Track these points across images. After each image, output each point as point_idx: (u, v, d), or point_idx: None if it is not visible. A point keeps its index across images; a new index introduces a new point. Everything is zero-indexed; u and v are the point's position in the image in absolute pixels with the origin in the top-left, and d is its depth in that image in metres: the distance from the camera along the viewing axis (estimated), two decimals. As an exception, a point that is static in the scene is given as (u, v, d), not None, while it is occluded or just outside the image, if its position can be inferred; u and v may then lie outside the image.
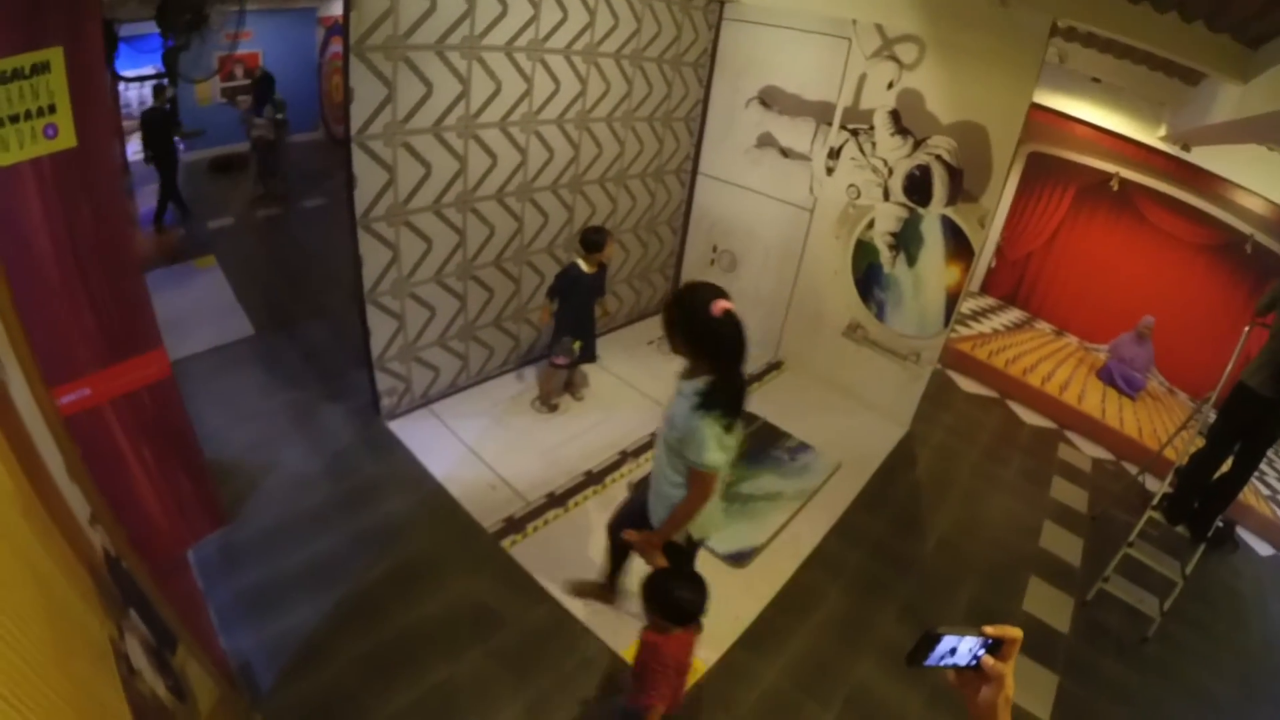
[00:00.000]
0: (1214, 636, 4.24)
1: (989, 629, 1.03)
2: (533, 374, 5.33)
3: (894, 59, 4.75)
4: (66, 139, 2.31)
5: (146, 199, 8.12)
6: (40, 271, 2.42)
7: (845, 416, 5.54)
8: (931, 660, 1.02)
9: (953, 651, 1.02)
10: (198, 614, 3.13)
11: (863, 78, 4.94)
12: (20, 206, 2.29)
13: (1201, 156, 6.68)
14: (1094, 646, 3.89)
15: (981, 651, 1.03)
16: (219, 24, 5.09)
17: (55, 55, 2.18)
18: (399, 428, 4.53)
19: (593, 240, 4.43)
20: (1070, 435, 6.35)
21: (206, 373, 4.92)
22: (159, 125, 7.46)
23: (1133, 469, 5.80)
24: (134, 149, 9.31)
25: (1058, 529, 4.86)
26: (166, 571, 3.23)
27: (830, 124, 5.20)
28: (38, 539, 1.30)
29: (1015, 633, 1.03)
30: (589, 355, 4.87)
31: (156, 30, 5.18)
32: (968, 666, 1.04)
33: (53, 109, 2.24)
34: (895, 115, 4.85)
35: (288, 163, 9.27)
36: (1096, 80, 6.67)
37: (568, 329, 4.65)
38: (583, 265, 4.48)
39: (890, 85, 4.81)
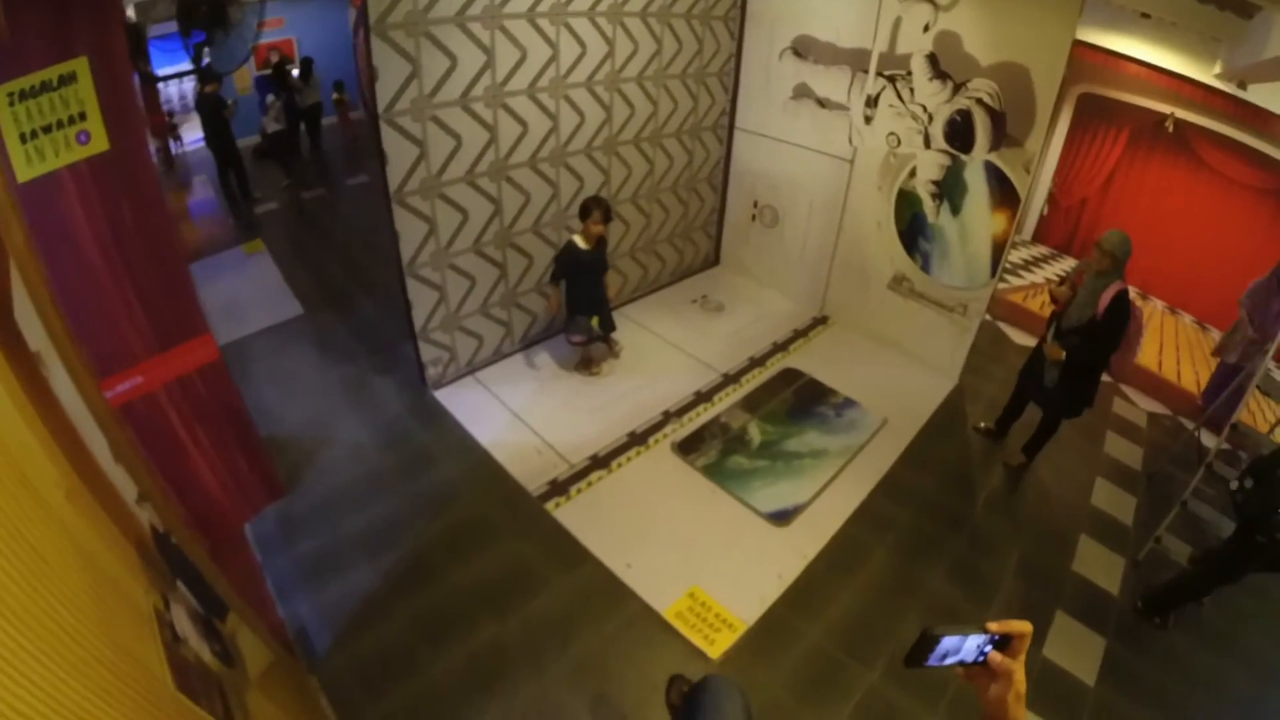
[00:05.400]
0: (1275, 601, 4.00)
1: (993, 625, 1.01)
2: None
3: (929, 0, 4.58)
4: (99, 143, 2.41)
5: (196, 191, 8.42)
6: (88, 269, 2.54)
7: (892, 371, 5.45)
8: (932, 660, 1.02)
9: (956, 650, 1.02)
10: (255, 583, 3.29)
11: (897, 21, 4.76)
12: (63, 210, 2.41)
13: (1259, 94, 6.30)
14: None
15: (989, 647, 1.02)
16: (243, 17, 5.17)
17: (80, 65, 2.27)
18: (445, 396, 4.64)
19: (583, 207, 4.39)
20: (1125, 389, 6.14)
21: (261, 353, 5.12)
22: (211, 110, 7.80)
23: (1190, 424, 5.60)
24: (191, 139, 9.66)
25: (1110, 486, 4.69)
26: (225, 544, 3.40)
27: (866, 71, 5.05)
28: (82, 519, 1.37)
29: (1024, 627, 1.01)
30: (607, 328, 4.87)
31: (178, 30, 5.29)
32: (975, 662, 1.03)
33: (83, 116, 2.34)
34: (933, 59, 4.68)
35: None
36: (1146, 16, 6.31)
37: (580, 308, 4.66)
38: (579, 241, 4.44)
39: (926, 28, 4.63)
